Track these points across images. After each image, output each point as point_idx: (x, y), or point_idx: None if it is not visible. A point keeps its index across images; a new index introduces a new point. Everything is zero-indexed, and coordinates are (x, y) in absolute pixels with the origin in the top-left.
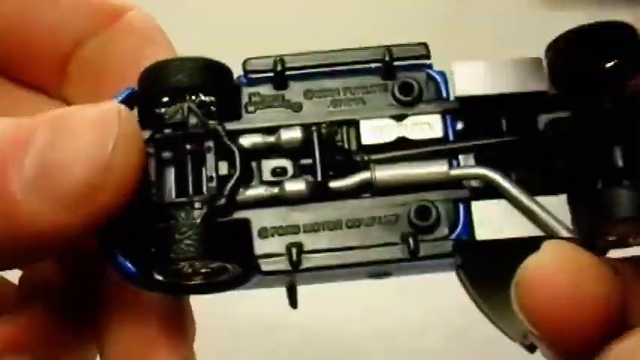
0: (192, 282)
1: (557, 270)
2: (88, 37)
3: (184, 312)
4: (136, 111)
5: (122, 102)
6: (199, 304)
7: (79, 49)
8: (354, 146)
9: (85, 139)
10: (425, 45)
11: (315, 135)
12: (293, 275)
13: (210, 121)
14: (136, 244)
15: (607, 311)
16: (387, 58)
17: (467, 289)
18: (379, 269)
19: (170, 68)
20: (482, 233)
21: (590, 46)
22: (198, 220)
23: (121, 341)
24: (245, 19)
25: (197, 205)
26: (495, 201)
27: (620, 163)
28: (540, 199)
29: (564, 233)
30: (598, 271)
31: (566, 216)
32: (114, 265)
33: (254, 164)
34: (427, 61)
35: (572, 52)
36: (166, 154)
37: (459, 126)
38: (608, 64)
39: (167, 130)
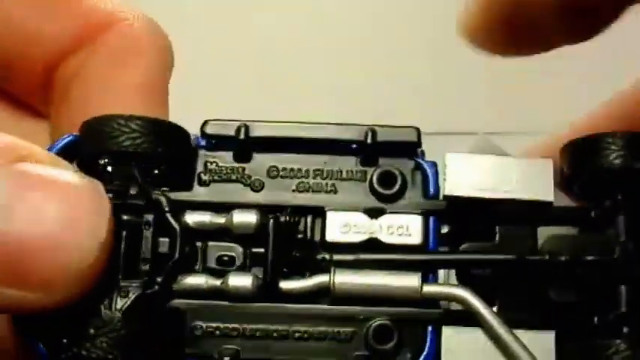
0: None
1: None
2: (72, 51)
3: None
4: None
5: (59, 152)
6: None
7: (63, 63)
8: (317, 239)
9: (81, 218)
10: (416, 130)
11: (272, 222)
12: None
13: (155, 192)
14: (50, 329)
15: None
16: (369, 141)
17: None
18: None
19: (112, 127)
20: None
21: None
22: (120, 315)
23: None
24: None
25: (123, 292)
26: (470, 329)
27: (624, 307)
28: (524, 333)
29: None
30: None
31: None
32: (25, 342)
33: (200, 244)
34: (417, 148)
35: (598, 155)
36: None
37: (444, 229)
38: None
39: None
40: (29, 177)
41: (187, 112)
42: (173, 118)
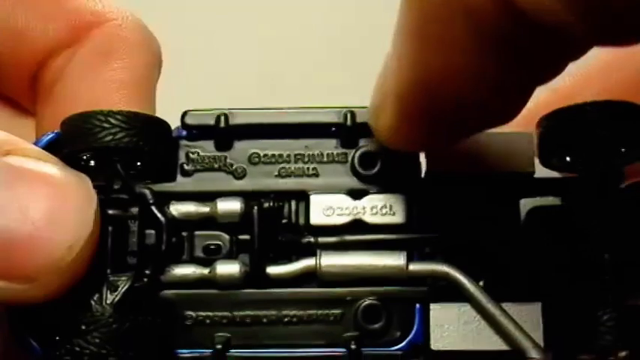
0: None
1: None
2: (60, 50)
3: None
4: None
5: (42, 148)
6: None
7: (50, 61)
8: (301, 221)
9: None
10: None
11: (256, 209)
12: None
13: (138, 184)
14: (44, 327)
15: None
16: (348, 123)
17: None
18: None
19: (92, 124)
20: (438, 342)
21: (596, 120)
22: (111, 309)
23: None
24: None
25: (113, 287)
26: (458, 304)
27: (609, 274)
28: (511, 306)
29: (532, 353)
30: None
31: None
32: (19, 344)
33: (186, 234)
34: None
35: (573, 127)
36: None
37: (428, 207)
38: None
39: None
40: (15, 170)
41: (173, 108)
42: (160, 113)
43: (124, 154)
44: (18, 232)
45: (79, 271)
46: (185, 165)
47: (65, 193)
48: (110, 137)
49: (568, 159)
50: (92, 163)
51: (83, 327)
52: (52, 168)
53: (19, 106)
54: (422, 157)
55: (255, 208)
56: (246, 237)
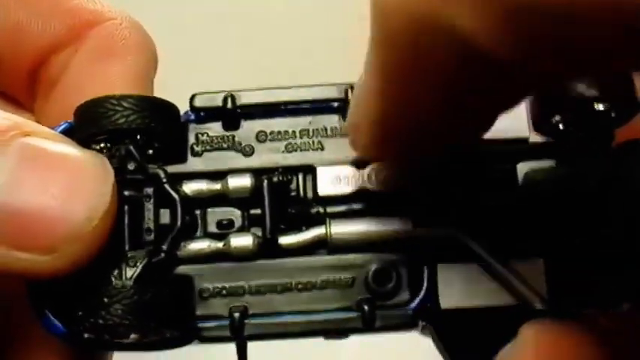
0: (126, 340)
1: None
2: (58, 49)
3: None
4: None
5: None
6: None
7: (50, 60)
8: (309, 194)
9: (85, 185)
10: None
11: (265, 183)
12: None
13: (151, 165)
14: (65, 303)
15: None
16: (349, 97)
17: (435, 342)
18: (334, 333)
19: (106, 108)
20: (447, 300)
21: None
22: (131, 282)
23: None
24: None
25: (131, 262)
26: (464, 264)
27: (606, 224)
28: (514, 263)
29: (538, 304)
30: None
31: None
32: (42, 322)
33: (199, 212)
34: None
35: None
36: None
37: (430, 174)
38: (599, 107)
39: None
40: (34, 149)
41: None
42: None
43: (137, 136)
44: (38, 206)
45: (98, 242)
46: (195, 146)
47: (83, 168)
48: (123, 119)
49: (560, 125)
50: (105, 147)
51: (105, 300)
52: (69, 147)
53: (17, 102)
54: None
55: (265, 182)
56: (257, 211)
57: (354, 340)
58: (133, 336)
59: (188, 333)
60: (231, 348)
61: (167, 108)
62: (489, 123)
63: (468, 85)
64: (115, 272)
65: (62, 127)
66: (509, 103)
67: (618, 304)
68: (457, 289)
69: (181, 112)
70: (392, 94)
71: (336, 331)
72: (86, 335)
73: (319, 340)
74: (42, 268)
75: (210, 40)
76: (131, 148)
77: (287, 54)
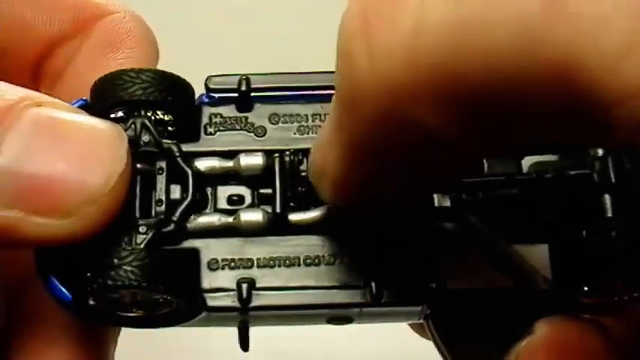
0: (131, 314)
1: None
2: (63, 42)
3: (103, 334)
4: None
5: None
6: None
7: (53, 54)
8: None
9: (100, 150)
10: None
11: (277, 162)
12: (243, 313)
13: (165, 141)
14: (73, 267)
15: None
16: None
17: (434, 339)
18: (339, 313)
19: (124, 80)
20: (453, 282)
21: None
22: (142, 246)
23: None
24: (214, 33)
25: (142, 229)
26: (471, 248)
27: (610, 213)
28: (519, 248)
29: (543, 285)
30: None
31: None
32: (47, 287)
33: (209, 190)
34: None
35: None
36: None
37: None
38: None
39: None
40: (48, 119)
41: None
42: None
43: (154, 108)
44: (54, 171)
45: (114, 205)
46: (208, 127)
47: (97, 134)
48: (141, 91)
49: None
50: (120, 115)
51: (115, 261)
52: (82, 116)
53: None
54: None
55: (277, 159)
56: (268, 191)
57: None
58: (139, 309)
59: (195, 303)
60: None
61: (184, 85)
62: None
63: (424, 156)
64: (125, 239)
65: (77, 103)
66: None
67: (620, 294)
68: (463, 271)
69: None
70: (352, 156)
71: (343, 305)
72: (92, 302)
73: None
74: (60, 233)
75: (212, 33)
76: (146, 120)
77: (295, 42)
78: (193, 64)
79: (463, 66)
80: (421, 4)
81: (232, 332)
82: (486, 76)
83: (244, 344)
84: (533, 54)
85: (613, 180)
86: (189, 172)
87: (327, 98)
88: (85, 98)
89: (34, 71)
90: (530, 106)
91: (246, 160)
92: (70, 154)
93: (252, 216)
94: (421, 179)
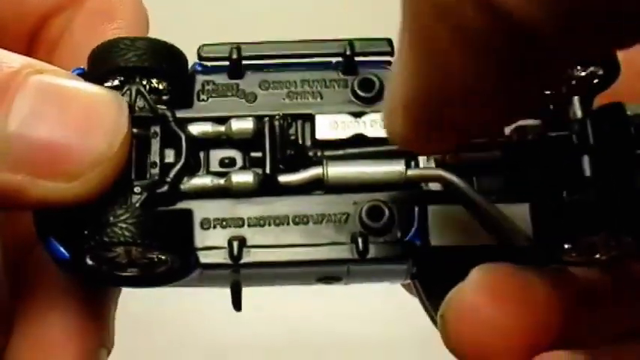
0: (128, 273)
1: (481, 304)
2: (57, 12)
3: (104, 296)
4: None
5: None
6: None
7: (48, 24)
8: (308, 141)
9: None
10: (389, 41)
11: (267, 127)
12: (234, 270)
13: (159, 106)
14: (71, 227)
15: (536, 341)
16: (348, 52)
17: (420, 299)
18: (327, 271)
19: (120, 47)
20: (437, 239)
21: None
22: (137, 205)
23: (35, 327)
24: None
25: (137, 190)
26: (453, 206)
27: (589, 172)
28: (501, 206)
29: (524, 242)
30: (531, 299)
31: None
32: (46, 247)
33: (202, 154)
34: (390, 58)
35: None
36: None
37: None
38: (581, 73)
39: None
40: (50, 86)
41: None
42: None
43: (148, 75)
44: (60, 136)
45: (118, 167)
46: (201, 93)
47: (99, 99)
48: (136, 58)
49: None
50: (116, 83)
51: (112, 219)
52: (82, 83)
53: None
54: None
55: (267, 123)
56: (258, 154)
57: None
58: (135, 269)
59: (189, 261)
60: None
61: (178, 53)
62: (532, 106)
63: (510, 61)
64: (122, 199)
65: (75, 72)
66: (547, 79)
67: (600, 252)
68: (447, 229)
69: None
70: (427, 74)
71: (330, 262)
72: (89, 262)
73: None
74: (65, 195)
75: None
76: (141, 87)
77: (284, 12)
78: (184, 34)
79: None
80: None
81: None
82: None
83: (237, 304)
84: None
85: (591, 141)
86: (183, 136)
87: (314, 66)
88: (82, 67)
89: (30, 42)
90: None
91: (237, 125)
92: (74, 119)
93: (243, 177)
94: (496, 100)
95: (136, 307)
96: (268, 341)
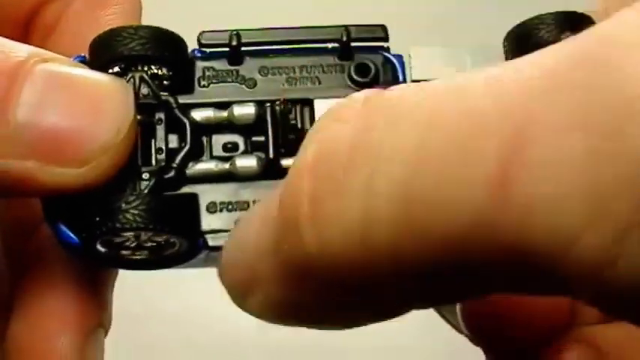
0: (136, 256)
1: None
2: None
3: (102, 277)
4: None
5: None
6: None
7: (43, 9)
8: (307, 125)
9: (109, 101)
10: (383, 27)
11: (268, 112)
12: None
13: (162, 93)
14: (81, 214)
15: None
16: (344, 39)
17: None
18: None
19: (122, 36)
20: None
21: (550, 34)
22: (146, 191)
23: (34, 308)
24: None
25: (145, 176)
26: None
27: None
28: None
29: None
30: None
31: None
32: (55, 233)
33: (205, 139)
34: (384, 44)
35: (530, 40)
36: None
37: None
38: None
39: None
40: (57, 74)
41: None
42: None
43: (150, 63)
44: (69, 123)
45: (126, 152)
46: (202, 80)
47: (105, 86)
48: (140, 47)
49: None
50: (117, 70)
51: (123, 205)
52: (90, 71)
53: None
54: (408, 69)
55: (268, 109)
56: (260, 138)
57: None
58: (144, 252)
59: (196, 243)
60: None
61: (178, 41)
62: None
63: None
64: (130, 186)
65: (76, 59)
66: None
67: None
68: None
69: None
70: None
71: None
72: (99, 247)
73: None
74: (75, 181)
75: None
76: (144, 74)
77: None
78: (182, 21)
79: (415, 250)
80: (366, 196)
81: None
82: (437, 255)
83: None
84: (487, 237)
85: None
86: (187, 121)
87: (313, 51)
88: (82, 55)
89: (26, 26)
90: (485, 276)
91: (239, 110)
92: (83, 106)
93: (247, 162)
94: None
95: (136, 307)
96: (272, 341)
